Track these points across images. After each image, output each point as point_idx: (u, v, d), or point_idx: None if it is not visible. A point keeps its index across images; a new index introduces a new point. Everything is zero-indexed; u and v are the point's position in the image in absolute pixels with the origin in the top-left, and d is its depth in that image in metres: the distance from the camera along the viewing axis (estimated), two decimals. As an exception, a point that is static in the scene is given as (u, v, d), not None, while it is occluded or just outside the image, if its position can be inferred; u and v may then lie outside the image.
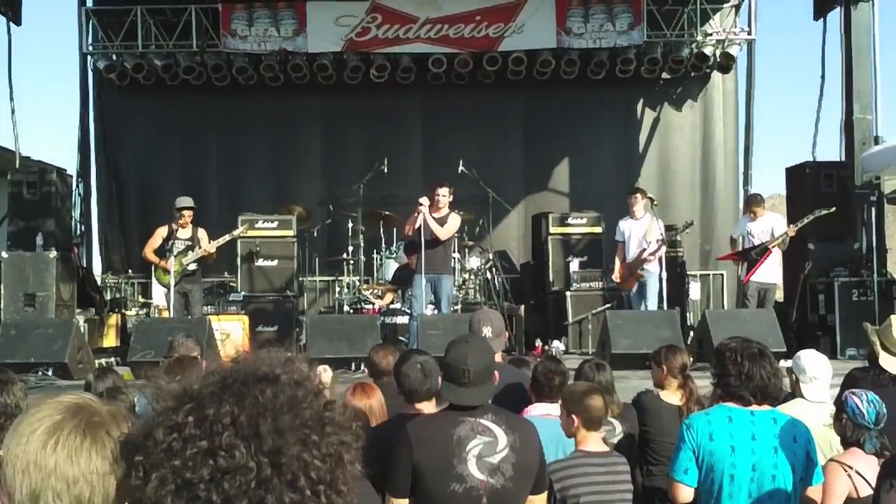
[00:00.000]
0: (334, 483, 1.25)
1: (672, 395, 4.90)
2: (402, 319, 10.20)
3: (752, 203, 10.54)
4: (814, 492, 3.59)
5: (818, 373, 4.40)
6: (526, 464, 3.15)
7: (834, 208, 9.97)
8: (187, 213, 9.94)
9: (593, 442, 3.97)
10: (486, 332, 4.50)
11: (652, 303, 10.25)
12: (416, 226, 9.31)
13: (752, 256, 10.10)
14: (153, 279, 11.06)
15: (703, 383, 4.76)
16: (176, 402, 1.25)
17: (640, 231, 10.39)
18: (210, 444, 1.20)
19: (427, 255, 9.24)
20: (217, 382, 1.26)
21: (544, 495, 3.34)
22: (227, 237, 10.26)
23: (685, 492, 3.54)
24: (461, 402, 3.18)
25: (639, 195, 10.51)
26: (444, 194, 9.44)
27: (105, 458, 1.47)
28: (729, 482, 3.44)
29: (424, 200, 9.35)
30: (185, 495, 1.19)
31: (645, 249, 10.22)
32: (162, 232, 9.98)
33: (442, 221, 9.38)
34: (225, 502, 1.19)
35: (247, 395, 1.24)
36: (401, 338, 9.78)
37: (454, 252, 11.40)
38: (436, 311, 9.53)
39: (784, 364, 8.45)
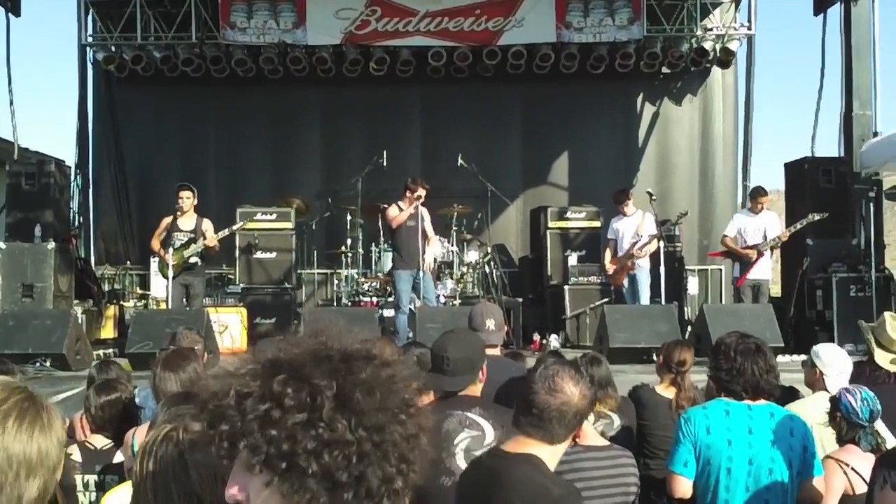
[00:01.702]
0: (413, 463, 1.29)
1: (666, 389, 4.93)
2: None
3: (759, 194, 10.53)
4: (811, 485, 3.61)
5: (844, 367, 4.43)
6: None
7: (827, 214, 10.09)
8: (184, 195, 9.82)
9: (591, 436, 3.97)
10: (490, 324, 4.49)
11: (644, 298, 10.30)
12: (404, 219, 9.43)
13: (744, 259, 10.18)
14: (151, 270, 11.04)
15: (700, 377, 4.77)
16: (268, 371, 1.25)
17: (633, 227, 10.46)
18: (310, 416, 1.21)
19: (412, 251, 9.34)
20: (307, 354, 1.27)
21: None
22: (226, 231, 10.16)
23: (685, 485, 3.57)
24: (438, 389, 3.20)
25: (628, 200, 10.63)
26: (423, 190, 9.53)
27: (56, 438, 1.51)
28: (726, 475, 3.48)
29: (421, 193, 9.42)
30: (279, 465, 1.20)
31: (636, 243, 10.28)
32: (166, 221, 9.92)
33: (420, 216, 9.50)
34: (325, 475, 1.20)
35: (345, 371, 1.25)
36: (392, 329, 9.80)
37: (452, 245, 11.46)
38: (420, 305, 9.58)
39: (795, 359, 8.54)
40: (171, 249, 9.55)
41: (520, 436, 2.67)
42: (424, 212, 9.67)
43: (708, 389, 4.24)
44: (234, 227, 10.55)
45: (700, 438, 3.52)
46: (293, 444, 1.19)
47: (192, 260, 9.75)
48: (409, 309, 9.45)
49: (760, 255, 10.14)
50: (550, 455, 2.66)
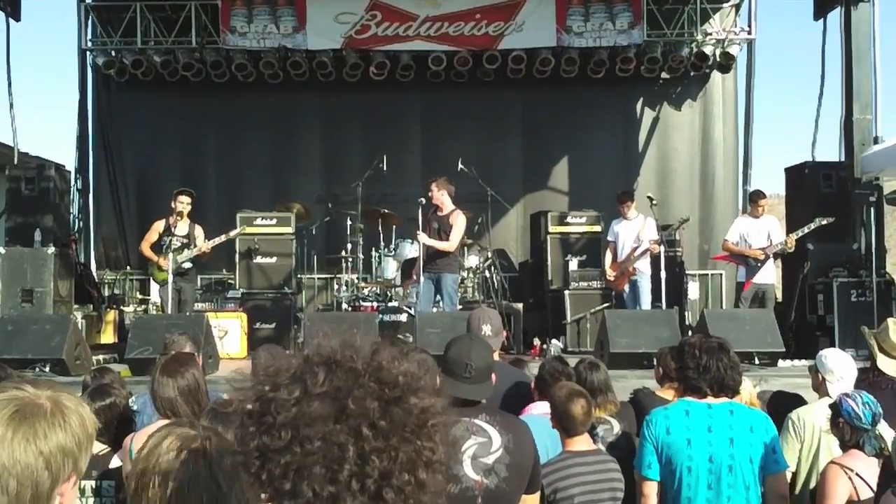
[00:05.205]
0: (382, 482, 1.23)
1: (668, 392, 4.92)
2: (402, 317, 10.19)
3: (759, 197, 10.47)
4: (775, 480, 3.65)
5: (846, 372, 4.42)
6: (519, 464, 3.14)
7: (833, 218, 10.06)
8: (182, 199, 9.78)
9: (581, 441, 3.98)
10: (486, 330, 4.48)
11: (645, 303, 10.26)
12: (422, 221, 9.40)
13: (750, 263, 10.13)
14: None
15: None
16: (260, 379, 1.29)
17: (633, 232, 10.42)
18: (272, 423, 1.23)
19: (429, 255, 9.27)
20: (297, 363, 1.29)
21: (538, 495, 3.34)
22: (223, 237, 10.13)
23: (650, 486, 3.65)
24: (461, 396, 3.17)
25: (630, 202, 10.60)
26: (433, 189, 9.40)
27: (37, 449, 1.46)
28: (687, 473, 3.57)
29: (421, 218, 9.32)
30: (246, 464, 1.24)
31: (636, 248, 10.25)
32: (158, 227, 9.88)
33: (445, 221, 9.35)
34: (270, 481, 1.22)
35: (310, 379, 1.25)
36: (399, 336, 9.75)
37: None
38: (442, 309, 9.50)
39: (796, 363, 8.53)
40: (170, 254, 9.54)
41: None
42: (456, 219, 9.39)
43: (676, 390, 4.27)
44: (232, 234, 10.51)
45: (661, 439, 3.62)
46: (246, 446, 1.24)
47: (185, 266, 9.74)
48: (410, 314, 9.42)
49: (767, 258, 10.10)
50: None
